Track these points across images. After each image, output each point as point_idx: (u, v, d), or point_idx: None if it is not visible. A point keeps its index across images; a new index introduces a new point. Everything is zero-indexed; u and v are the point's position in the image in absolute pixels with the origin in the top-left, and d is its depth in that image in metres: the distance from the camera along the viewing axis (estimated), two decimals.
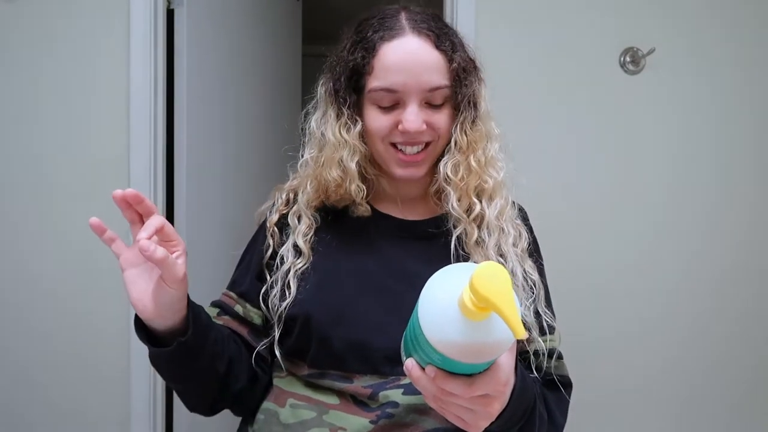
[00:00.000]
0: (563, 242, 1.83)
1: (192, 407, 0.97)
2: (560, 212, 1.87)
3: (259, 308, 0.99)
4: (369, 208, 0.99)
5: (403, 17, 0.92)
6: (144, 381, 1.82)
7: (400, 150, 0.94)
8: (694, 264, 1.93)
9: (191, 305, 0.84)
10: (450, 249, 0.94)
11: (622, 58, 1.90)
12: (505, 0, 1.90)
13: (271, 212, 1.03)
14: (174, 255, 0.78)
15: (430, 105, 0.92)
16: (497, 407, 0.70)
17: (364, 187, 0.97)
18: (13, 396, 1.86)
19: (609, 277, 1.92)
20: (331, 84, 0.95)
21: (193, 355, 0.85)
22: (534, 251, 1.02)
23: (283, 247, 0.98)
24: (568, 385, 0.97)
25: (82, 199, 1.84)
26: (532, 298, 0.94)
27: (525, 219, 1.05)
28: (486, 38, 1.84)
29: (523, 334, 0.56)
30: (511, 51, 1.89)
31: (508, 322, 0.56)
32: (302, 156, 1.01)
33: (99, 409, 1.85)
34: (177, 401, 1.85)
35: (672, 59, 1.89)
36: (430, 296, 0.63)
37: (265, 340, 0.97)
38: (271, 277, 0.97)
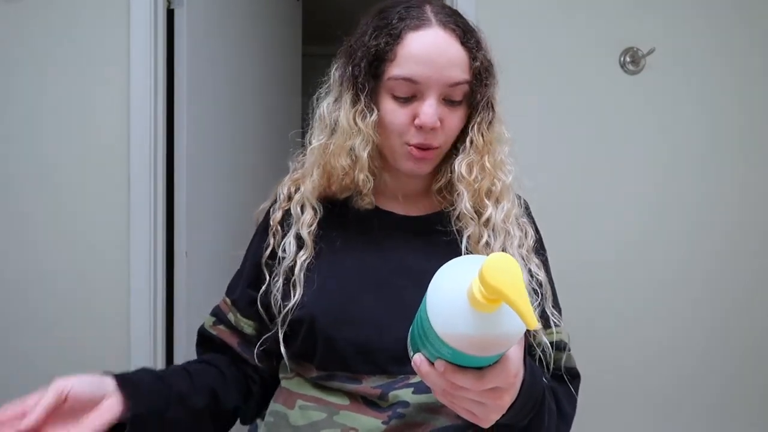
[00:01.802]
0: (561, 241, 1.82)
1: None
2: (558, 211, 1.87)
3: (250, 318, 0.98)
4: (373, 200, 0.97)
5: (428, 9, 0.90)
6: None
7: (412, 146, 0.92)
8: (692, 261, 1.94)
9: (125, 383, 0.83)
10: (452, 245, 0.93)
11: (622, 58, 1.90)
12: (506, 0, 1.90)
13: (274, 209, 1.01)
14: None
15: (446, 101, 0.90)
16: (508, 400, 0.69)
17: (372, 178, 0.95)
18: (13, 394, 1.85)
19: (609, 276, 1.92)
20: (350, 68, 0.91)
21: (153, 417, 0.83)
22: (539, 246, 1.01)
23: (285, 239, 0.96)
24: (576, 376, 0.96)
25: (82, 198, 1.83)
26: (539, 300, 0.93)
27: (529, 214, 1.04)
28: (486, 38, 1.84)
29: (535, 325, 0.55)
30: (511, 51, 1.87)
31: (521, 312, 0.55)
32: (309, 142, 0.98)
33: None
34: None
35: (672, 59, 1.89)
36: (438, 289, 0.62)
37: (256, 350, 0.96)
38: (271, 277, 0.96)
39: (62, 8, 1.82)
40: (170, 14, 1.86)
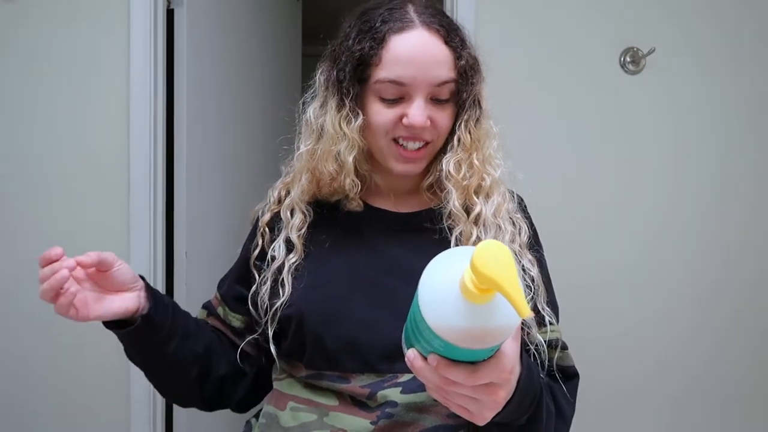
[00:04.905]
0: (562, 241, 1.82)
1: (179, 396, 1.02)
2: (559, 212, 1.86)
3: (237, 312, 1.01)
4: (361, 203, 0.98)
5: (411, 10, 0.91)
6: (144, 381, 1.80)
7: (401, 145, 0.93)
8: (692, 263, 1.93)
9: (151, 289, 0.90)
10: (443, 243, 0.93)
11: (622, 58, 1.90)
12: (505, 0, 1.90)
13: (263, 212, 1.03)
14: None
15: (434, 101, 0.91)
16: (503, 396, 0.68)
17: (359, 182, 0.96)
18: (12, 394, 1.85)
19: (608, 277, 1.91)
20: (335, 73, 0.92)
21: (162, 330, 0.90)
22: (533, 242, 1.01)
23: (274, 243, 0.97)
24: (574, 375, 0.95)
25: (81, 199, 1.83)
26: (531, 295, 0.93)
27: (523, 209, 1.04)
28: (486, 38, 1.84)
29: (528, 313, 0.54)
30: (511, 51, 1.89)
31: (512, 300, 0.54)
32: (297, 148, 0.99)
33: (99, 409, 1.84)
34: (177, 407, 1.85)
35: (672, 59, 1.89)
36: (429, 281, 0.61)
37: (249, 337, 0.99)
38: (260, 278, 0.97)
39: (61, 8, 1.82)
40: (170, 14, 1.86)
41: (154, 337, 0.90)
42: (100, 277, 0.84)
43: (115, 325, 0.88)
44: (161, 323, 0.90)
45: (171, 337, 0.91)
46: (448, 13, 1.88)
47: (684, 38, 1.90)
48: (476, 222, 0.94)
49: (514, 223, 0.97)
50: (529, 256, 0.96)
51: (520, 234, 0.97)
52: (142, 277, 0.90)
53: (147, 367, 0.98)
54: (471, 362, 0.63)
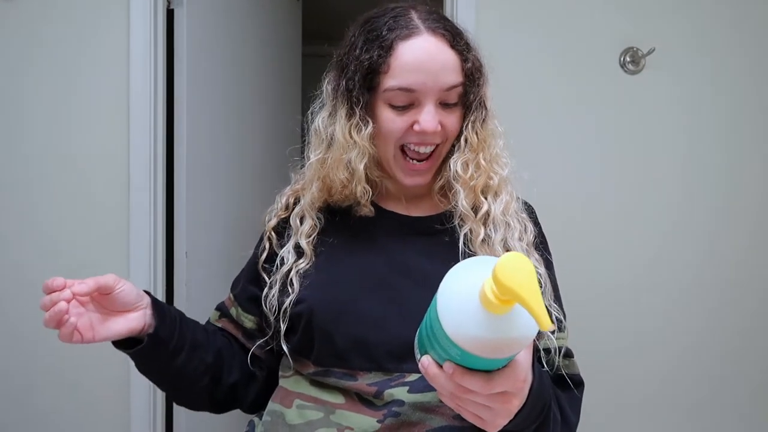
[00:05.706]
0: (562, 243, 1.82)
1: (192, 404, 1.03)
2: (559, 212, 1.86)
3: (249, 312, 1.02)
4: (372, 209, 0.99)
5: (414, 16, 0.92)
6: (144, 386, 1.80)
7: (409, 158, 0.94)
8: (697, 265, 1.93)
9: (157, 305, 0.90)
10: (454, 246, 0.94)
11: (622, 58, 1.90)
12: (506, 0, 1.90)
13: (270, 217, 1.04)
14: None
15: (443, 105, 0.92)
16: (516, 404, 0.69)
17: (369, 189, 0.97)
18: (13, 394, 1.84)
19: (610, 278, 1.92)
20: (344, 82, 0.93)
21: (169, 345, 0.90)
22: (541, 246, 1.02)
23: (283, 248, 0.98)
24: (579, 383, 0.96)
25: (81, 199, 1.83)
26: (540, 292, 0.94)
27: (531, 214, 1.05)
28: (486, 38, 1.82)
29: (549, 326, 0.55)
30: (511, 51, 1.89)
31: (534, 313, 0.55)
32: (306, 157, 1.00)
33: (99, 409, 1.84)
34: (177, 407, 1.84)
35: (672, 59, 1.89)
36: (449, 290, 0.62)
37: (260, 341, 1.00)
38: (269, 279, 0.98)
39: (61, 8, 1.81)
40: (170, 14, 1.85)
41: (163, 353, 0.91)
42: (104, 299, 0.84)
43: (123, 343, 0.88)
44: (168, 339, 0.90)
45: (179, 351, 0.92)
46: (448, 13, 1.90)
47: (684, 38, 1.91)
48: (485, 221, 0.95)
49: (520, 222, 0.98)
50: (536, 255, 0.98)
51: (526, 232, 0.98)
52: (149, 293, 0.91)
53: (157, 380, 1.00)
54: (486, 371, 0.64)
